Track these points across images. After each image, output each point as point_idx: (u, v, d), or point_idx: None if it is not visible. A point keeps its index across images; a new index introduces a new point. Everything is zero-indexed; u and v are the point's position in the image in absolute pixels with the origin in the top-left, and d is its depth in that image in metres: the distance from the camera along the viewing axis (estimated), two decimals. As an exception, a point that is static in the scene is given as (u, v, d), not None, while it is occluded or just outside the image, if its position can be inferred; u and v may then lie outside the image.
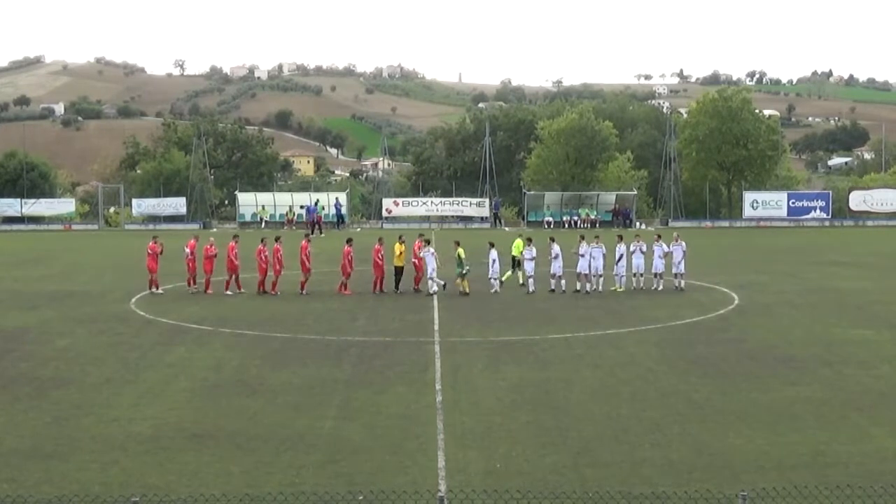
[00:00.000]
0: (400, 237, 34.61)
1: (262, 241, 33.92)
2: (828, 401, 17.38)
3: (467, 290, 32.19)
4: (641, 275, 33.73)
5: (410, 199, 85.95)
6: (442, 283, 32.58)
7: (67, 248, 58.53)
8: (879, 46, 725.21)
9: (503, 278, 33.87)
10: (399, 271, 33.38)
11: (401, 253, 33.48)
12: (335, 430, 15.60)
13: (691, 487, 12.19)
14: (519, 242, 34.96)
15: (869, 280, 36.92)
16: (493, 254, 32.93)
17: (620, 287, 33.15)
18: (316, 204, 74.93)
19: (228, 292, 32.78)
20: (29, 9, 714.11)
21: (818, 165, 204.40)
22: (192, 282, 33.88)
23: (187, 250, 34.04)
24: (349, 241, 34.23)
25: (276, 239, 34.43)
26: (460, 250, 32.55)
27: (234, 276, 33.20)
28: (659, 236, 34.98)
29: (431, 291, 32.25)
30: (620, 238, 34.64)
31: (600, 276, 33.08)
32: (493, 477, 13.06)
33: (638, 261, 33.67)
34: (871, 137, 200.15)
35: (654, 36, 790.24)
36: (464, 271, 32.30)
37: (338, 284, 33.14)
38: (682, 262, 33.70)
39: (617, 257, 33.57)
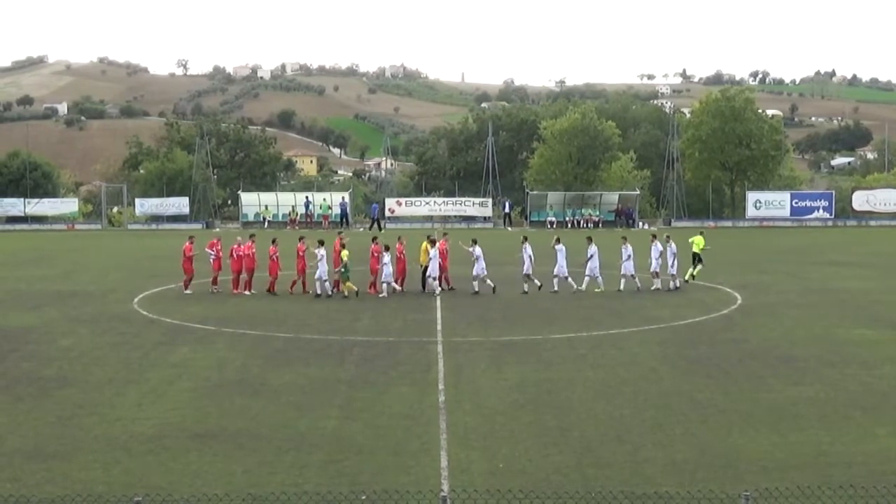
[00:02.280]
0: (428, 237, 34.51)
1: (273, 241, 33.87)
2: (830, 401, 17.37)
3: (355, 290, 31.94)
4: (633, 276, 33.37)
5: (413, 199, 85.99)
6: (438, 288, 32.52)
7: (70, 247, 58.59)
8: (883, 46, 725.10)
9: (687, 277, 34.11)
10: (427, 270, 33.20)
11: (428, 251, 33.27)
12: (338, 429, 15.61)
13: (694, 487, 12.19)
14: (700, 239, 35.39)
15: (871, 280, 36.88)
16: (386, 257, 32.36)
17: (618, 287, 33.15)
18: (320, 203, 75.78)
19: (252, 291, 32.73)
20: (32, 8, 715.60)
21: (821, 165, 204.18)
22: (215, 282, 33.72)
23: (210, 251, 33.91)
24: (375, 239, 34.00)
25: (300, 239, 34.32)
26: (345, 253, 32.37)
27: (250, 276, 33.16)
28: (654, 236, 34.91)
29: (318, 292, 31.94)
30: (625, 239, 34.47)
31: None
32: (496, 477, 13.06)
33: (628, 263, 33.45)
34: (874, 137, 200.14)
35: (658, 36, 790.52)
36: (345, 272, 32.06)
37: (368, 283, 32.94)
38: (674, 262, 33.51)
39: (624, 257, 33.43)
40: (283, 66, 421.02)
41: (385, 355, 21.88)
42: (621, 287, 33.01)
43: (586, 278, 33.20)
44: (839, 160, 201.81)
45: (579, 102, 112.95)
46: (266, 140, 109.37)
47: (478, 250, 32.93)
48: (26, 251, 55.30)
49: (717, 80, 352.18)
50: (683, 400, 17.47)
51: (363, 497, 12.17)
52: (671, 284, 33.45)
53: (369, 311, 29.06)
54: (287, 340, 24.05)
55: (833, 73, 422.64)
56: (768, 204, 79.64)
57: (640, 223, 77.52)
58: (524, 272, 33.10)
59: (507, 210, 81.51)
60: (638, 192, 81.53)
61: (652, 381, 19.05)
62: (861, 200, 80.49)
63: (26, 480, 13.07)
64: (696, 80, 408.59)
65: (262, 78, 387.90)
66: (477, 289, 32.67)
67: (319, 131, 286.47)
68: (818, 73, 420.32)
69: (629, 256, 33.16)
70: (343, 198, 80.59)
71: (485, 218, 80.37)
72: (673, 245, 33.67)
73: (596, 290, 32.84)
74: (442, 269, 33.48)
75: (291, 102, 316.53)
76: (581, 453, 14.22)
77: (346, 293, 31.91)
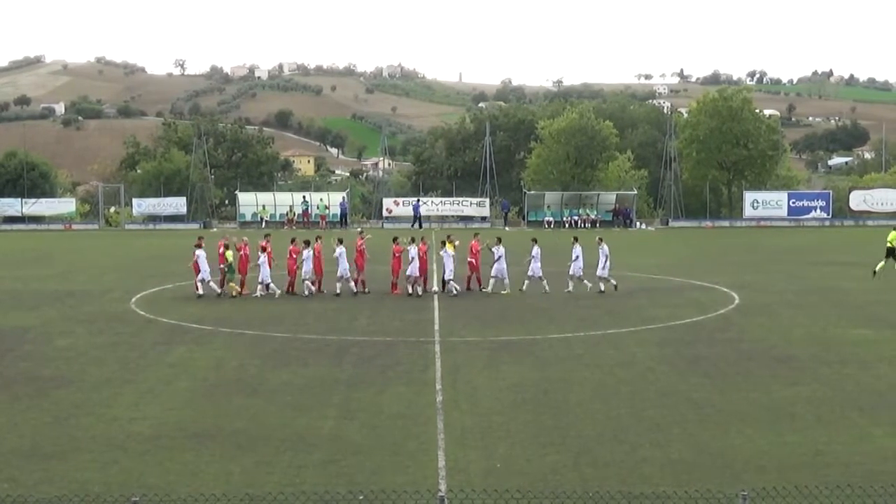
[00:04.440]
0: (448, 237, 34.44)
1: (292, 240, 33.79)
2: (827, 400, 17.39)
3: (238, 290, 32.12)
4: (580, 278, 32.91)
5: (411, 199, 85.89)
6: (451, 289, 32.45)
7: (68, 247, 58.54)
8: (880, 46, 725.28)
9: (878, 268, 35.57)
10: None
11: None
12: (335, 429, 15.61)
13: (692, 487, 12.20)
14: (894, 234, 36.63)
15: (869, 280, 36.87)
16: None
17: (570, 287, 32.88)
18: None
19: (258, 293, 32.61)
20: (29, 8, 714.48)
21: (818, 165, 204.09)
22: (222, 284, 33.53)
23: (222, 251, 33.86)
24: (395, 239, 33.78)
25: (317, 238, 34.19)
26: (229, 253, 32.35)
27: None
28: (575, 238, 33.85)
29: (201, 292, 31.98)
30: (576, 239, 33.85)
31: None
32: (494, 476, 13.06)
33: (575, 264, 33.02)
34: (871, 137, 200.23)
35: (655, 36, 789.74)
36: (230, 273, 32.31)
37: (391, 284, 32.86)
38: (605, 265, 32.73)
39: (573, 257, 32.96)
40: (281, 66, 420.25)
41: (383, 355, 21.88)
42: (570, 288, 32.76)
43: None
44: (836, 160, 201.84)
45: (577, 102, 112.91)
46: (263, 140, 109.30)
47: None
48: (23, 251, 55.24)
49: (714, 79, 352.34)
50: (681, 400, 17.48)
51: (361, 497, 12.17)
52: (601, 286, 32.72)
53: (367, 310, 29.05)
54: (284, 340, 24.04)
55: (830, 73, 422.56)
56: (766, 204, 79.71)
57: (638, 223, 77.61)
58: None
59: (505, 210, 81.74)
60: (635, 192, 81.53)
61: (649, 381, 19.07)
62: (858, 200, 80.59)
63: (23, 480, 13.06)
64: (693, 79, 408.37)
65: (259, 78, 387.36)
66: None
67: (317, 131, 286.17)
68: (815, 72, 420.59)
69: (577, 257, 32.80)
70: (343, 198, 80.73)
71: (482, 218, 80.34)
72: (605, 247, 32.98)
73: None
74: (473, 268, 33.43)
75: (289, 102, 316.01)
76: (578, 453, 14.23)
77: (232, 293, 32.00)
